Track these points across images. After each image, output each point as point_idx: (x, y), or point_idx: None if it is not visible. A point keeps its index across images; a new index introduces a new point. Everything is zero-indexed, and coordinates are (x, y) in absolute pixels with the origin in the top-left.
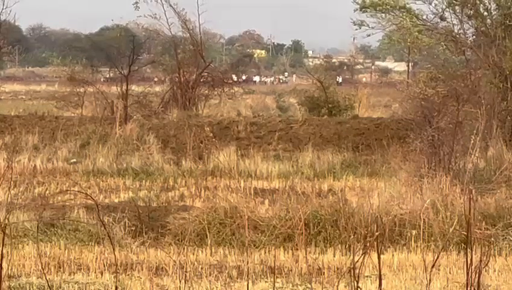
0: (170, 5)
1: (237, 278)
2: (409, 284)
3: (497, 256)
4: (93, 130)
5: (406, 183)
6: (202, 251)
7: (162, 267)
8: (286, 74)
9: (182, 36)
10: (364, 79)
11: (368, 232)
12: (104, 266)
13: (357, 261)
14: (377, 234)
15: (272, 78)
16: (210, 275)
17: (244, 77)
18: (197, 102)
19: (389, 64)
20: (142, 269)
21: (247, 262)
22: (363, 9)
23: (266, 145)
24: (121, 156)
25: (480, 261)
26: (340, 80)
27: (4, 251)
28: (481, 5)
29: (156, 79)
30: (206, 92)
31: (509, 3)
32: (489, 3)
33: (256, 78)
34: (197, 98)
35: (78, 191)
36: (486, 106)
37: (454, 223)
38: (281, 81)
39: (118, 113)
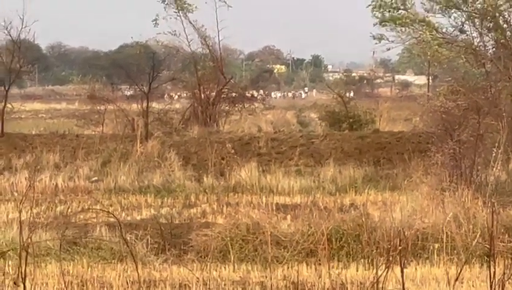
0: (190, 22)
1: None
2: None
3: None
4: (114, 148)
5: (427, 196)
6: (225, 268)
7: (185, 284)
8: (306, 88)
9: (201, 52)
10: (389, 93)
11: (391, 246)
12: (127, 283)
13: (380, 275)
14: (399, 248)
15: (280, 94)
16: None
17: (256, 93)
18: (218, 118)
19: (409, 77)
20: (166, 287)
21: (270, 278)
22: (383, 24)
23: (287, 161)
24: (142, 173)
25: (504, 273)
26: (351, 94)
27: (27, 270)
28: (500, 17)
29: (174, 96)
30: (227, 108)
31: None
32: (509, 16)
33: (274, 94)
34: (217, 114)
35: (100, 209)
36: (507, 119)
37: (477, 236)
38: (296, 95)
39: (139, 130)
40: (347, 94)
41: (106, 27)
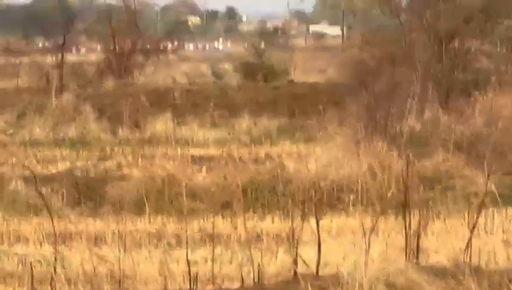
0: None
1: (176, 247)
2: (348, 249)
3: (435, 219)
4: (30, 101)
5: (342, 148)
6: (141, 220)
7: (101, 237)
8: (221, 39)
9: (116, 5)
10: (303, 44)
11: (306, 198)
12: (43, 237)
13: (296, 227)
14: (315, 199)
15: (193, 46)
16: (149, 244)
17: (170, 45)
18: (133, 70)
19: (324, 28)
20: (82, 240)
21: (186, 230)
22: None
23: (202, 113)
24: (57, 126)
25: (419, 224)
26: (262, 45)
27: None
28: None
29: (82, 49)
30: (141, 60)
31: None
32: None
33: (188, 46)
34: (132, 66)
35: (15, 163)
36: (421, 69)
37: (392, 187)
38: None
39: (54, 83)
40: (261, 45)
41: None
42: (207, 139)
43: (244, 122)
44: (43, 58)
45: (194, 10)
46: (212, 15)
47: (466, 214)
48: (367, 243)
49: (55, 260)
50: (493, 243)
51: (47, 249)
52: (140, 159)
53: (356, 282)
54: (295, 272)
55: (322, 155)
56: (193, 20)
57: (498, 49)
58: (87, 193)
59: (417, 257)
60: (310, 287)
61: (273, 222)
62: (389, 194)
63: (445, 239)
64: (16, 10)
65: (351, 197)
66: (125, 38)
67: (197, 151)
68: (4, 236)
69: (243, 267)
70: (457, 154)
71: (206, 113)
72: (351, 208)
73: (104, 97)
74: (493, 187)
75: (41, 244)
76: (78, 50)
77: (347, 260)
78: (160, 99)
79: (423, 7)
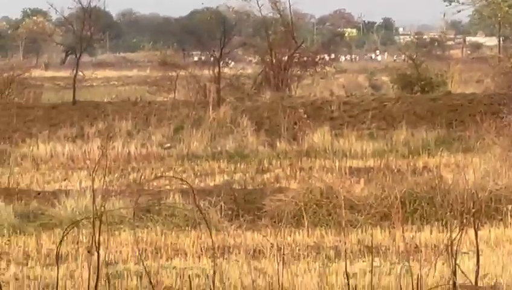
0: None
1: (335, 259)
2: (506, 260)
3: None
4: (187, 114)
5: (500, 158)
6: (299, 233)
7: (260, 250)
8: (378, 51)
9: (272, 17)
10: (460, 55)
11: (464, 209)
12: (202, 250)
13: (454, 238)
14: (473, 210)
15: (349, 57)
16: (308, 257)
17: (327, 57)
18: (290, 83)
19: (480, 39)
20: (240, 253)
21: (345, 242)
22: None
23: (360, 124)
24: (215, 139)
25: None
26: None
27: (101, 239)
28: None
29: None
30: (298, 72)
31: None
32: None
33: (344, 58)
34: (289, 79)
35: (173, 177)
36: None
37: None
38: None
39: (211, 96)
40: (418, 56)
41: None
42: (365, 151)
43: (401, 133)
44: (200, 71)
45: (350, 22)
46: (369, 26)
47: None
48: None
49: (214, 273)
50: None
51: (205, 263)
52: (298, 172)
53: None
54: (454, 284)
55: (480, 166)
56: (349, 31)
57: None
58: (245, 206)
59: None
60: None
61: (431, 233)
62: None
63: None
64: (172, 23)
65: (510, 207)
66: (282, 50)
67: (354, 163)
68: (162, 250)
69: (401, 279)
70: None
71: (364, 125)
72: (510, 218)
73: (262, 110)
74: None
75: (199, 258)
76: (226, 64)
77: (506, 271)
78: (318, 112)
79: None
